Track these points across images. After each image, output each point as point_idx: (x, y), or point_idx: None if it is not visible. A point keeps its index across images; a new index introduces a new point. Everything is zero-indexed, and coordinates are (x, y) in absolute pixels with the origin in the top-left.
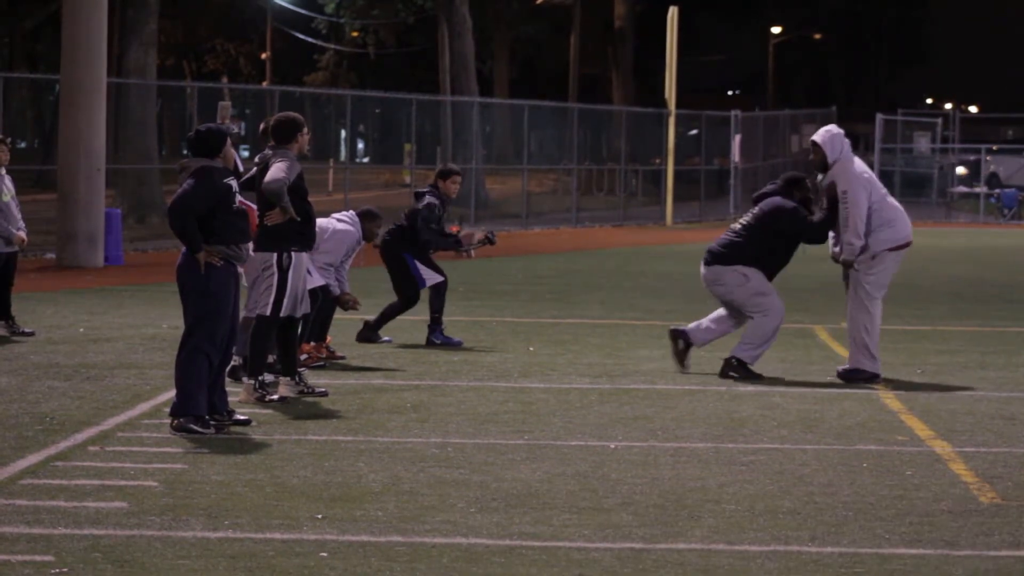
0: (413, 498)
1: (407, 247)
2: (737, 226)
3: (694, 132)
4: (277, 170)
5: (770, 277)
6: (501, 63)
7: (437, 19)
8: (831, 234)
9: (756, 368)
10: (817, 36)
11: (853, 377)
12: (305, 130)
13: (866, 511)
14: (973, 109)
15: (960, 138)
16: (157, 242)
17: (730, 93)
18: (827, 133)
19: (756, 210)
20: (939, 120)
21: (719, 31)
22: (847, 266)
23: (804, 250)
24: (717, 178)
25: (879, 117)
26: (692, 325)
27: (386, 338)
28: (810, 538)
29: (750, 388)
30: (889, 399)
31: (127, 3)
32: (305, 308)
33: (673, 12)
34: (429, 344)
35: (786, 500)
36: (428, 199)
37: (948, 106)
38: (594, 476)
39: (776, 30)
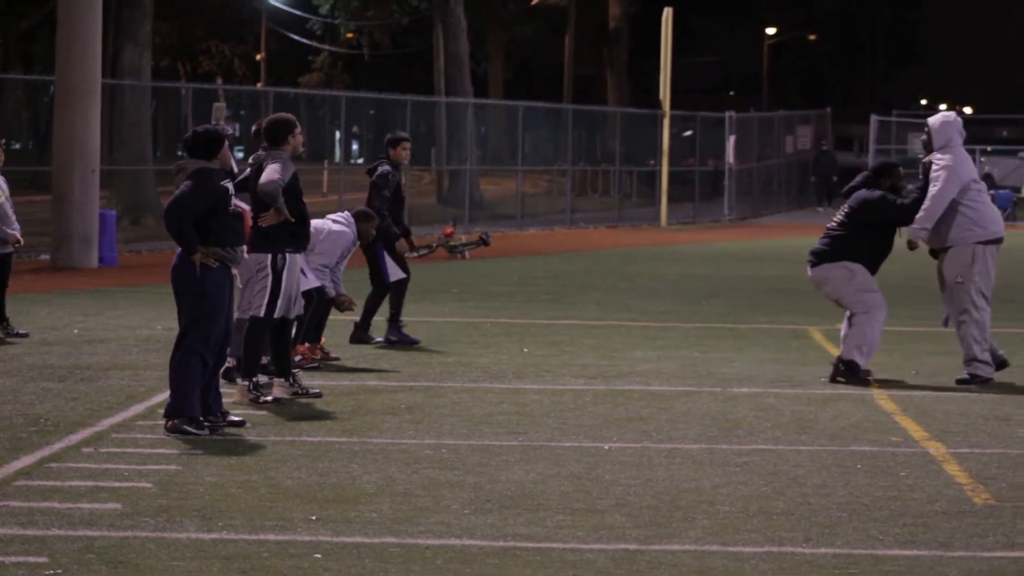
0: (407, 499)
1: (378, 236)
2: (833, 223)
3: (689, 133)
4: (271, 171)
5: (874, 269)
6: (496, 64)
7: (432, 20)
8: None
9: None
10: (812, 37)
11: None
12: (298, 130)
13: (860, 512)
14: (968, 110)
15: None
16: (152, 243)
17: (725, 94)
18: (942, 120)
19: (846, 206)
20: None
21: (714, 32)
22: (911, 247)
23: (792, 250)
24: (712, 179)
25: (873, 118)
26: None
27: (378, 339)
28: (804, 539)
29: (744, 389)
30: (883, 400)
31: (122, 4)
32: (299, 309)
33: (668, 13)
34: (386, 342)
35: (780, 501)
36: (380, 168)
37: (943, 107)
38: (588, 477)
39: (771, 31)
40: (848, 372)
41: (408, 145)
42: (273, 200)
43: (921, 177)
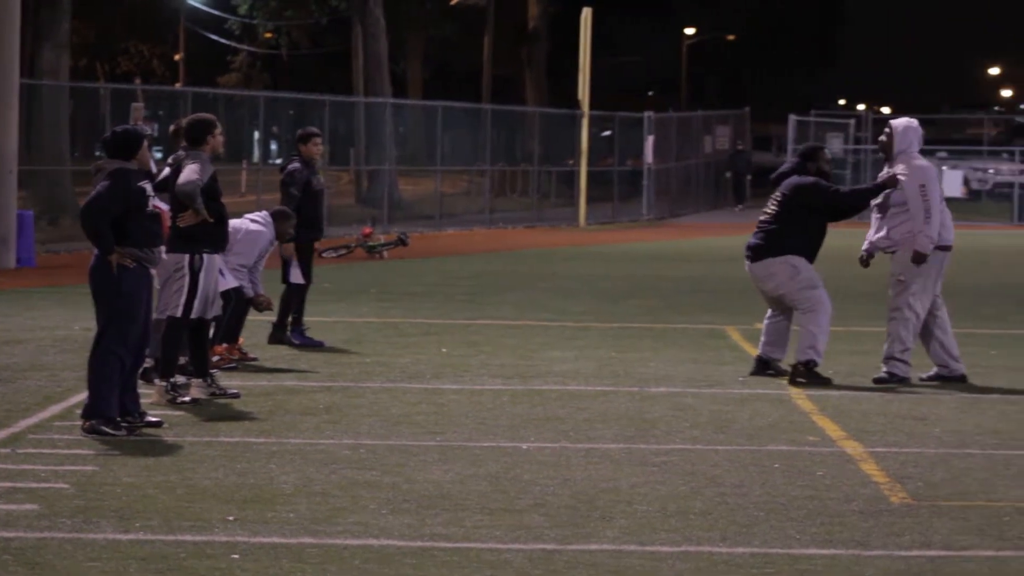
0: (325, 500)
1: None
2: (766, 216)
3: (607, 133)
4: (190, 172)
5: (813, 257)
6: (414, 64)
7: (351, 20)
8: (873, 225)
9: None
10: (731, 37)
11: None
12: (218, 130)
13: (777, 511)
14: (886, 110)
15: (873, 139)
16: (69, 244)
17: (644, 94)
18: (906, 124)
19: (778, 194)
20: (852, 121)
21: (632, 32)
22: (920, 261)
23: (710, 249)
24: (630, 179)
25: (792, 118)
26: (762, 350)
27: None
28: (721, 538)
29: (662, 389)
30: (801, 400)
31: (40, 4)
32: (216, 310)
33: (586, 13)
34: (289, 344)
35: (697, 501)
36: (289, 167)
37: (861, 107)
38: (506, 477)
39: (690, 31)
40: (808, 373)
41: (319, 140)
42: (191, 201)
43: (886, 173)
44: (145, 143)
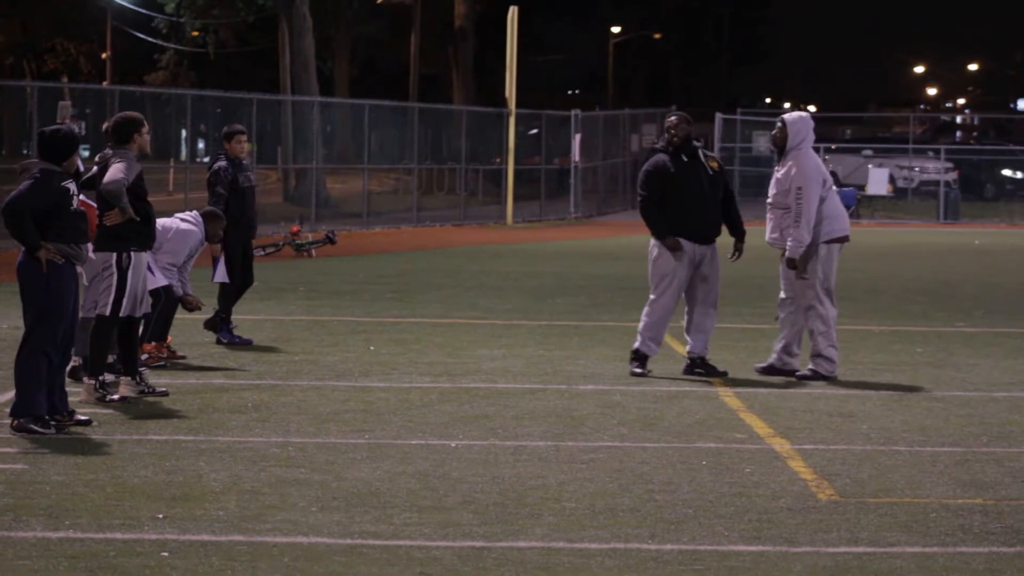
0: (254, 497)
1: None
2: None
3: (534, 131)
4: (116, 171)
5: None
6: (341, 62)
7: (277, 18)
8: (769, 221)
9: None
10: (657, 36)
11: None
12: (145, 129)
13: (706, 508)
14: (812, 108)
15: None
16: None
17: (570, 93)
18: (799, 117)
19: None
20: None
21: (559, 31)
22: (791, 267)
23: (637, 248)
24: (558, 177)
25: (718, 116)
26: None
27: (235, 337)
28: (650, 535)
29: (590, 387)
30: (728, 397)
31: None
32: (145, 308)
33: (513, 12)
34: (219, 340)
35: (626, 498)
36: (215, 165)
37: (787, 105)
38: (435, 475)
39: (616, 30)
40: (635, 358)
41: (244, 138)
42: (117, 200)
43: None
44: (78, 148)
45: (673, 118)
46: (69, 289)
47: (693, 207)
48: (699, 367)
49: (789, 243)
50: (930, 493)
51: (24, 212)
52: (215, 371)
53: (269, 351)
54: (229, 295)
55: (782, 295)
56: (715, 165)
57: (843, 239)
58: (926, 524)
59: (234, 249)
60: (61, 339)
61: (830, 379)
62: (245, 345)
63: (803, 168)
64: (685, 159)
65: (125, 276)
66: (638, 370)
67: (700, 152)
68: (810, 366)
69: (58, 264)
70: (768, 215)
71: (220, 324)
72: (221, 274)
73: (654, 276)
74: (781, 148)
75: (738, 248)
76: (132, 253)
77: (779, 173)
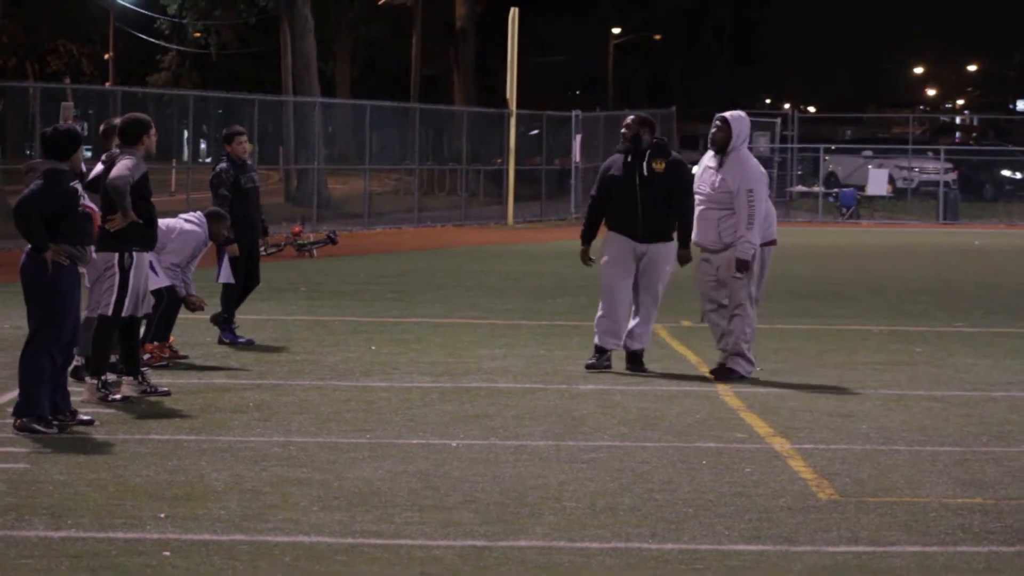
0: (256, 497)
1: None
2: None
3: (535, 132)
4: (122, 167)
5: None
6: (343, 63)
7: (279, 19)
8: (700, 222)
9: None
10: (657, 37)
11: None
12: (153, 131)
13: (706, 508)
14: (812, 109)
15: (799, 138)
16: None
17: (571, 94)
18: (740, 116)
19: None
20: (778, 120)
21: (559, 32)
22: (742, 269)
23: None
24: (558, 178)
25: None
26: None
27: (241, 337)
28: (650, 535)
29: (590, 386)
30: (728, 397)
31: None
32: (147, 308)
33: (514, 13)
34: (220, 342)
35: (626, 497)
36: (217, 167)
37: (787, 106)
38: (436, 474)
39: (616, 31)
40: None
41: (244, 139)
42: (120, 198)
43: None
44: (81, 145)
45: (629, 119)
46: (74, 289)
47: (625, 206)
48: (631, 363)
49: (741, 245)
50: (930, 492)
51: (35, 212)
52: (217, 371)
53: (271, 351)
54: (232, 295)
55: (713, 303)
56: (659, 167)
57: (774, 242)
58: (926, 523)
59: (237, 249)
60: (66, 339)
61: (743, 380)
62: (247, 346)
63: (752, 170)
64: (629, 159)
65: (127, 276)
66: (591, 362)
67: (647, 153)
68: (728, 364)
69: (62, 265)
70: (698, 217)
71: (223, 324)
72: (226, 274)
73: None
74: (722, 147)
75: (681, 255)
76: (134, 253)
77: (720, 173)
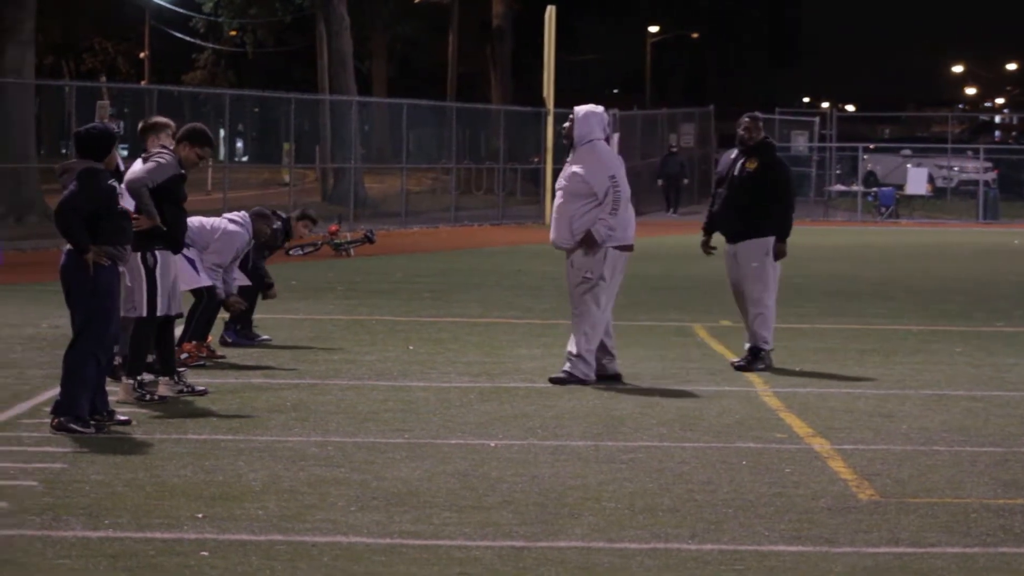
0: (293, 497)
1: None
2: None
3: None
4: (141, 169)
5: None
6: (379, 62)
7: (315, 18)
8: (555, 222)
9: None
10: (694, 35)
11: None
12: (201, 148)
13: (746, 508)
14: (850, 108)
15: (838, 137)
16: (35, 241)
17: (608, 92)
18: (587, 111)
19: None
20: (816, 119)
21: (597, 30)
22: (591, 245)
23: (675, 247)
24: None
25: None
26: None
27: (265, 336)
28: (690, 535)
29: (629, 386)
30: (768, 397)
31: (5, 2)
32: (178, 307)
33: (551, 11)
34: (222, 342)
35: (666, 498)
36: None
37: (825, 105)
38: (474, 474)
39: (653, 29)
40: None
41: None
42: (138, 198)
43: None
44: (115, 144)
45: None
46: (115, 289)
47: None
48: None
49: (601, 229)
50: (971, 493)
51: (74, 213)
52: (254, 370)
53: (308, 350)
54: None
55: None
56: (751, 166)
57: (630, 247)
58: (967, 524)
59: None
60: (110, 339)
61: (583, 384)
62: (248, 346)
63: (608, 158)
64: (732, 157)
65: (153, 275)
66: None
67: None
68: (566, 367)
69: (103, 266)
70: (554, 215)
71: (227, 323)
72: (241, 279)
73: None
74: (571, 141)
75: (776, 249)
76: (157, 252)
77: (575, 167)
